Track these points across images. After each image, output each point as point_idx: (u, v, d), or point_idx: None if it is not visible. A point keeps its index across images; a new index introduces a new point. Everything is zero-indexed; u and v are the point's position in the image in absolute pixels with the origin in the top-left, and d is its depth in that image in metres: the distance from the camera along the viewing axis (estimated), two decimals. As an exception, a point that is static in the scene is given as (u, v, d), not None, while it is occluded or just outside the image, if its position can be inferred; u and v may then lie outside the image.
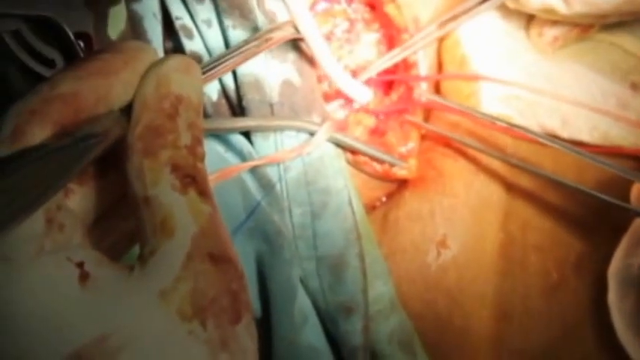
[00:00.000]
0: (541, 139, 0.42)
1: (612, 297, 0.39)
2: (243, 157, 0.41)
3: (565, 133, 0.44)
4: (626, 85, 0.44)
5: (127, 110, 0.27)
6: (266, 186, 0.41)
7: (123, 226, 0.30)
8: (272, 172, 0.42)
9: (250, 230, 0.40)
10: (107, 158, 0.28)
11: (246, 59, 0.36)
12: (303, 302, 0.40)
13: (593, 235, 0.42)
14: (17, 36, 0.41)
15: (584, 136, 0.44)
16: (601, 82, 0.44)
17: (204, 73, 0.32)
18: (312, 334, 0.40)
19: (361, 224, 0.42)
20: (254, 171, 0.41)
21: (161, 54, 0.42)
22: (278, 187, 0.42)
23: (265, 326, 0.40)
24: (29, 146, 0.24)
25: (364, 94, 0.44)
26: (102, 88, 0.27)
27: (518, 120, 0.44)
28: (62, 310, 0.23)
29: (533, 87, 0.44)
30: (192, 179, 0.26)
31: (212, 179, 0.39)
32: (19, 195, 0.23)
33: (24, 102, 0.26)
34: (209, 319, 0.24)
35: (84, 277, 0.24)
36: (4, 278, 0.23)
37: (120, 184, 0.29)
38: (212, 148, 0.41)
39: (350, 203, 0.42)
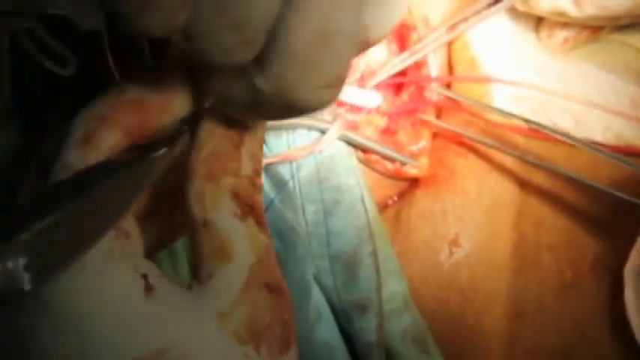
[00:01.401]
0: (556, 135, 0.42)
1: (629, 294, 0.39)
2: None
3: (578, 134, 0.44)
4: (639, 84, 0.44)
5: (189, 121, 0.28)
6: (279, 184, 0.41)
7: (153, 232, 0.30)
8: (285, 171, 0.42)
9: (264, 228, 0.40)
10: None
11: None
12: (317, 299, 0.40)
13: (608, 235, 0.42)
14: (31, 34, 0.41)
15: (598, 136, 0.44)
16: (614, 82, 0.44)
17: None
18: (327, 331, 0.40)
19: (374, 222, 0.42)
20: (267, 169, 0.41)
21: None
22: (291, 185, 0.42)
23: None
24: (103, 161, 0.25)
25: (373, 100, 0.44)
26: (164, 97, 0.28)
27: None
28: (128, 318, 0.24)
29: (544, 87, 0.44)
30: (250, 208, 0.27)
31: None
32: (98, 211, 0.23)
33: (92, 107, 0.27)
34: (263, 345, 0.25)
35: (149, 288, 0.24)
36: (77, 280, 0.24)
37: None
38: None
39: (362, 201, 0.42)
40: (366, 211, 0.42)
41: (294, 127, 0.42)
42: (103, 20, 0.42)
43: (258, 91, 0.25)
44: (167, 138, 0.26)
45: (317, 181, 0.42)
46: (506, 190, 0.44)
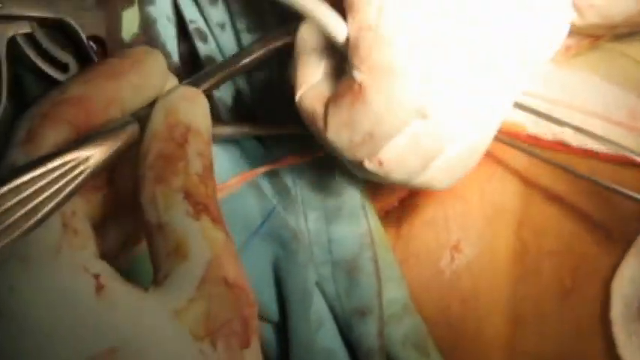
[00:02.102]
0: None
1: (616, 312, 0.40)
2: (257, 161, 0.41)
3: (576, 142, 0.44)
4: (638, 95, 0.44)
5: (139, 115, 0.28)
6: (281, 191, 0.41)
7: (116, 234, 0.31)
8: (286, 177, 0.42)
9: (266, 235, 0.41)
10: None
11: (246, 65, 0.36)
12: (319, 306, 0.40)
13: (606, 244, 0.43)
14: (31, 39, 0.41)
15: (595, 146, 0.44)
16: (613, 92, 0.44)
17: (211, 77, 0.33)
18: (329, 338, 0.40)
19: (375, 229, 0.43)
20: (269, 175, 0.41)
21: (175, 58, 0.42)
22: (293, 191, 0.42)
23: (283, 330, 0.40)
24: (44, 154, 0.25)
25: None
26: (111, 91, 0.28)
27: (531, 128, 0.44)
28: (76, 317, 0.23)
29: (547, 97, 0.44)
30: (204, 206, 0.27)
31: (231, 184, 0.39)
32: (36, 201, 0.23)
33: (36, 106, 0.27)
34: (220, 340, 0.25)
35: (100, 288, 0.24)
36: (22, 277, 0.24)
37: (113, 196, 0.30)
38: (228, 152, 0.41)
39: (363, 207, 0.43)
40: (367, 217, 0.42)
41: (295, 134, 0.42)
42: (104, 25, 0.42)
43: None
44: (110, 129, 0.27)
45: (318, 187, 0.42)
46: (508, 197, 0.44)
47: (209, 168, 0.28)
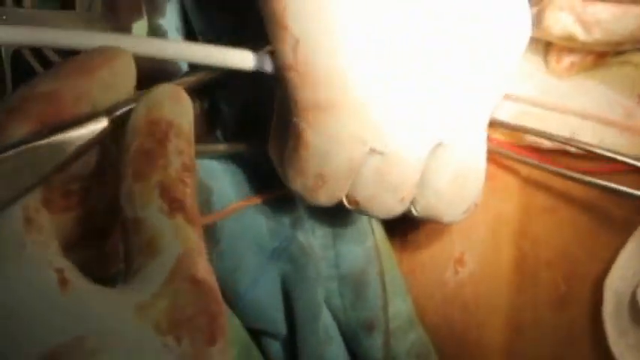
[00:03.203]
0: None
1: (607, 309, 0.41)
2: (264, 180, 0.41)
3: (574, 148, 0.45)
4: (634, 95, 0.44)
5: (109, 111, 0.28)
6: (289, 206, 0.42)
7: (89, 254, 0.31)
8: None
9: (275, 250, 0.41)
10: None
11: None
12: (327, 321, 0.42)
13: (599, 251, 0.44)
14: (35, 50, 0.40)
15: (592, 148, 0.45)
16: (610, 94, 0.45)
17: None
18: (337, 353, 0.41)
19: (381, 242, 0.44)
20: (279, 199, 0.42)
21: (185, 68, 0.42)
22: (300, 207, 0.42)
23: (291, 345, 0.41)
24: (6, 143, 0.25)
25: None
26: (80, 87, 0.28)
27: (530, 136, 0.44)
28: (40, 310, 0.24)
29: (542, 102, 0.45)
30: (180, 204, 0.27)
31: (238, 207, 0.40)
32: None
33: (5, 102, 0.27)
34: (184, 335, 0.25)
35: (64, 282, 0.24)
36: None
37: (89, 217, 0.30)
38: (235, 169, 0.42)
39: (369, 221, 0.43)
40: (373, 231, 0.43)
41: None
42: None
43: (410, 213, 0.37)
44: (76, 122, 0.27)
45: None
46: (509, 208, 0.45)
47: (189, 167, 0.28)
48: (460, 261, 0.44)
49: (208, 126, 0.43)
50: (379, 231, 0.44)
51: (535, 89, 0.46)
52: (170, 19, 0.42)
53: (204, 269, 0.27)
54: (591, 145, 0.43)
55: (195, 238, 0.27)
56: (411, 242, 0.45)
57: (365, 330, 0.42)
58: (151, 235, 0.26)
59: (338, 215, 0.43)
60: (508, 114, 0.46)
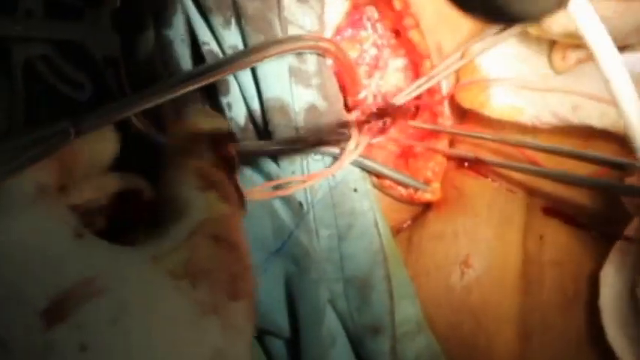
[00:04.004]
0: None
1: (604, 300, 0.40)
2: (270, 179, 0.42)
3: (576, 119, 0.44)
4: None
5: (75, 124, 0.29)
6: (294, 209, 0.42)
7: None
8: (299, 195, 0.42)
9: (279, 253, 0.41)
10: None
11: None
12: (331, 323, 0.41)
13: (604, 249, 0.43)
14: (47, 60, 0.41)
15: (594, 121, 0.43)
16: None
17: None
18: (341, 355, 0.41)
19: (387, 246, 0.43)
20: (283, 196, 0.42)
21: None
22: (305, 209, 0.42)
23: (294, 347, 0.41)
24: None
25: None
26: None
27: (529, 110, 0.44)
28: (53, 255, 0.25)
29: (542, 85, 0.44)
30: (213, 184, 0.29)
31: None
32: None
33: None
34: (202, 282, 0.25)
35: (79, 234, 0.26)
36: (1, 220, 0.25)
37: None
38: (240, 171, 0.42)
39: (376, 225, 0.43)
40: (379, 235, 0.43)
41: (307, 153, 0.42)
42: (119, 46, 0.42)
43: None
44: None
45: (331, 205, 0.42)
46: (514, 209, 0.45)
47: (222, 155, 0.31)
48: (466, 264, 0.44)
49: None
50: (386, 234, 0.43)
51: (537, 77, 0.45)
52: (176, 29, 0.43)
53: (230, 231, 0.28)
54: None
55: (225, 209, 0.28)
56: (416, 246, 0.44)
57: (371, 334, 0.41)
58: (182, 204, 0.28)
59: (343, 217, 0.42)
60: (507, 89, 0.45)
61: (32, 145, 0.27)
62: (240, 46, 0.43)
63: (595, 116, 0.43)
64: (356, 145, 0.42)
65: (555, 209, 0.44)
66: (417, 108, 0.47)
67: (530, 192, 0.45)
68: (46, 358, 0.23)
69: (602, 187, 0.41)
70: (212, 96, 0.43)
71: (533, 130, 0.45)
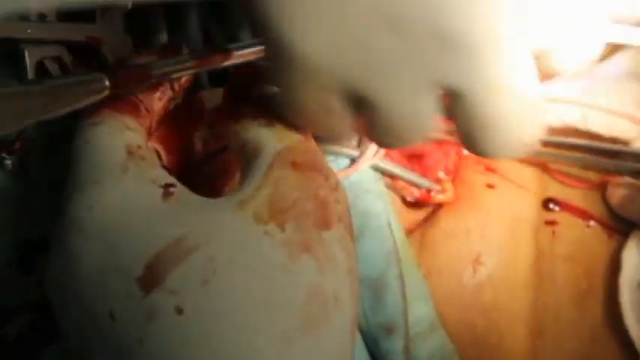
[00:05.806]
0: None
1: (626, 306, 0.41)
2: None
3: (583, 127, 0.44)
4: None
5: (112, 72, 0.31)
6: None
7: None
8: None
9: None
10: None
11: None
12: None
13: (617, 242, 0.43)
14: (59, 62, 0.41)
15: (602, 130, 0.44)
16: (620, 82, 0.44)
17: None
18: (356, 355, 0.41)
19: (401, 246, 0.43)
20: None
21: (204, 80, 0.43)
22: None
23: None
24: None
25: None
26: None
27: None
28: (144, 219, 0.25)
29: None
30: (276, 119, 0.29)
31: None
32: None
33: None
34: (288, 221, 0.25)
35: (167, 194, 0.26)
36: (96, 196, 0.26)
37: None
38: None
39: (389, 226, 0.43)
40: (392, 235, 0.43)
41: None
42: (131, 48, 0.42)
43: None
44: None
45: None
46: (524, 204, 0.45)
47: None
48: (478, 261, 0.44)
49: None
50: (399, 235, 0.44)
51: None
52: (189, 33, 0.43)
53: (309, 155, 0.28)
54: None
55: (297, 136, 0.28)
56: (428, 244, 0.45)
57: (385, 333, 0.41)
58: (254, 146, 0.28)
59: (356, 217, 0.43)
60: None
61: (66, 89, 0.28)
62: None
63: (603, 127, 0.44)
64: (375, 152, 0.43)
65: (567, 204, 0.45)
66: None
67: (540, 186, 0.45)
68: (148, 325, 0.23)
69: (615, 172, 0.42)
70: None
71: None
